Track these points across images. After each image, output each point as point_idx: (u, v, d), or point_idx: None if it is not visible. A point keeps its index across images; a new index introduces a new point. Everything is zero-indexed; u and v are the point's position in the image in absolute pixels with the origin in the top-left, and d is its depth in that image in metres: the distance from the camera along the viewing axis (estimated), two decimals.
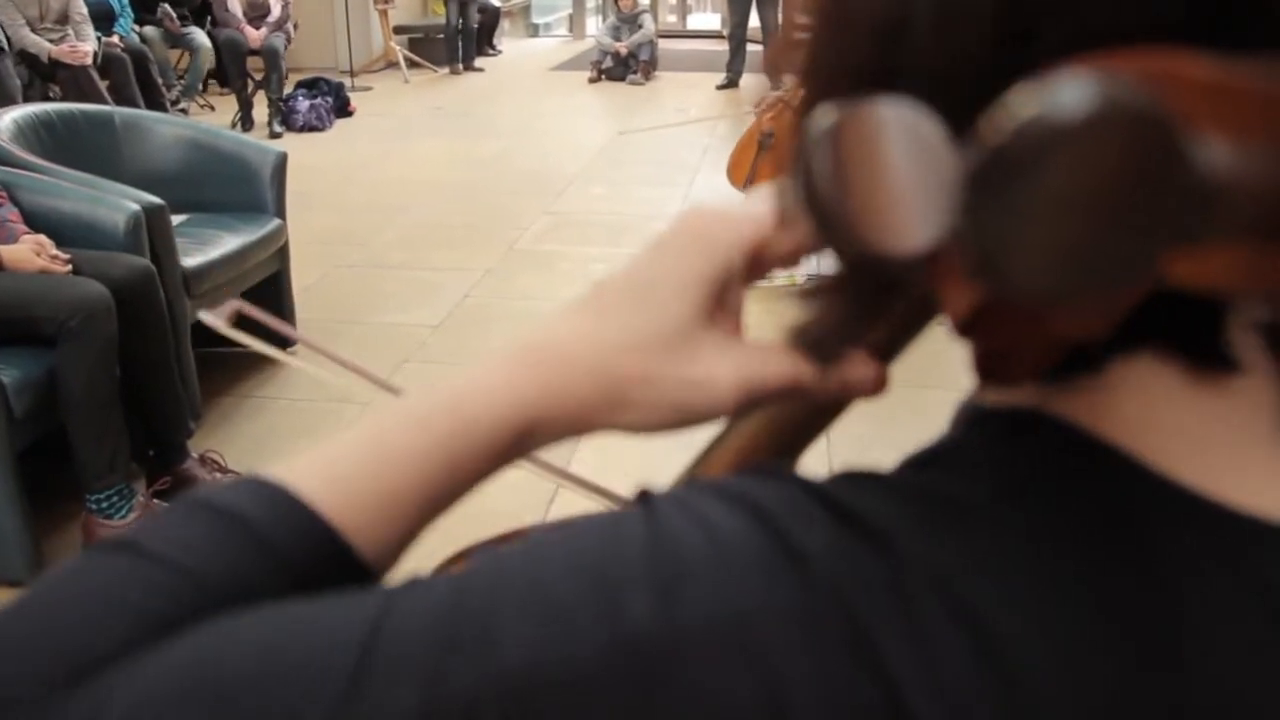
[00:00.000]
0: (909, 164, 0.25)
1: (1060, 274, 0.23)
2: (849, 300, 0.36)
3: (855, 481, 0.32)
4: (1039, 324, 0.28)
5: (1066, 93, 0.22)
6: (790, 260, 0.38)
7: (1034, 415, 0.33)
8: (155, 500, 2.56)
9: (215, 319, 0.86)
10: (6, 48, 4.16)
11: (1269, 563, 0.29)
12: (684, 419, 0.37)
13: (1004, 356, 0.30)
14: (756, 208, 0.37)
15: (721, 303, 0.37)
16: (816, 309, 0.36)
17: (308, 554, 0.33)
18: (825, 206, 0.25)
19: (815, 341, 0.37)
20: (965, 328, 0.29)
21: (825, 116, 0.26)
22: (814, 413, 0.43)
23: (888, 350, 0.40)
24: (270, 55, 7.19)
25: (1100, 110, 0.22)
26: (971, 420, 0.35)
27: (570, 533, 0.31)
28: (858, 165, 0.25)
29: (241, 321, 0.89)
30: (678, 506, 0.31)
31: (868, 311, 0.36)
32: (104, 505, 2.48)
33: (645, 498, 0.32)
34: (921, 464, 0.34)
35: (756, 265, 0.38)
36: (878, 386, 0.38)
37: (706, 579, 0.28)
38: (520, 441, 0.37)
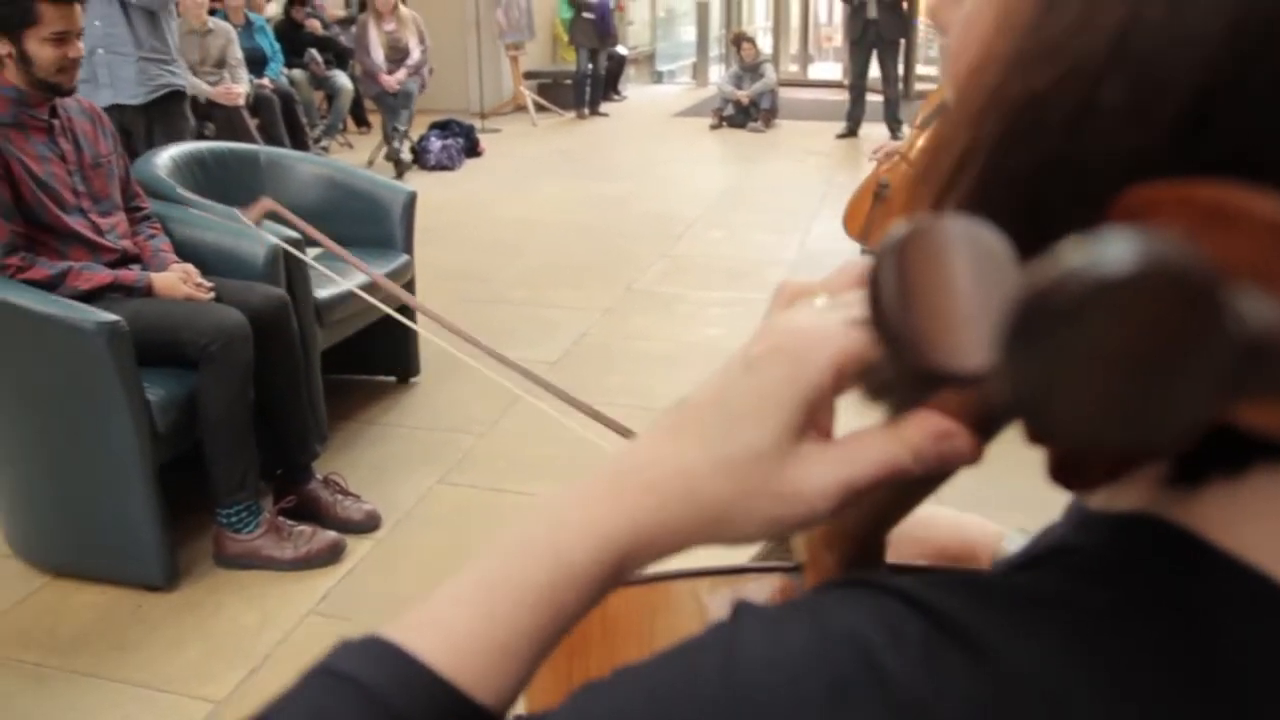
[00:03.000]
0: (975, 282, 0.25)
1: (1100, 425, 0.23)
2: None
3: (954, 585, 0.32)
4: None
5: (1112, 247, 0.22)
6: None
7: (1149, 520, 0.33)
8: (280, 517, 2.69)
9: (245, 216, 0.91)
10: (187, 89, 4.50)
11: None
12: (780, 530, 0.37)
13: (1077, 465, 0.29)
14: (846, 322, 0.35)
15: (812, 420, 0.35)
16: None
17: (435, 715, 0.34)
18: (889, 321, 0.25)
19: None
20: (1035, 437, 0.28)
21: (897, 230, 0.26)
22: (905, 488, 0.39)
23: (987, 427, 0.38)
24: (404, 96, 7.49)
25: (1142, 269, 0.22)
26: (1080, 523, 0.36)
27: (652, 668, 0.33)
28: (923, 281, 0.25)
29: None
30: (762, 630, 0.32)
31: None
32: (233, 520, 2.62)
33: (736, 613, 0.34)
34: (1027, 566, 0.34)
35: (844, 379, 0.35)
36: (974, 456, 0.34)
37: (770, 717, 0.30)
38: (618, 573, 0.37)
